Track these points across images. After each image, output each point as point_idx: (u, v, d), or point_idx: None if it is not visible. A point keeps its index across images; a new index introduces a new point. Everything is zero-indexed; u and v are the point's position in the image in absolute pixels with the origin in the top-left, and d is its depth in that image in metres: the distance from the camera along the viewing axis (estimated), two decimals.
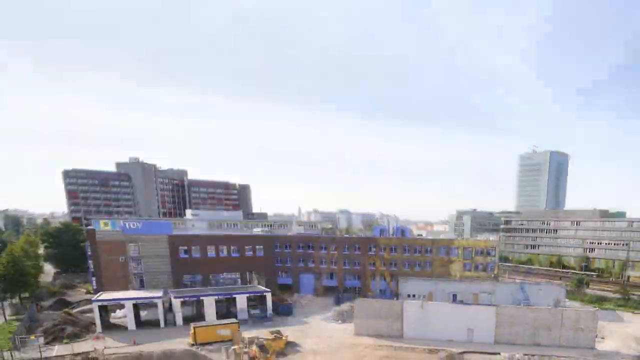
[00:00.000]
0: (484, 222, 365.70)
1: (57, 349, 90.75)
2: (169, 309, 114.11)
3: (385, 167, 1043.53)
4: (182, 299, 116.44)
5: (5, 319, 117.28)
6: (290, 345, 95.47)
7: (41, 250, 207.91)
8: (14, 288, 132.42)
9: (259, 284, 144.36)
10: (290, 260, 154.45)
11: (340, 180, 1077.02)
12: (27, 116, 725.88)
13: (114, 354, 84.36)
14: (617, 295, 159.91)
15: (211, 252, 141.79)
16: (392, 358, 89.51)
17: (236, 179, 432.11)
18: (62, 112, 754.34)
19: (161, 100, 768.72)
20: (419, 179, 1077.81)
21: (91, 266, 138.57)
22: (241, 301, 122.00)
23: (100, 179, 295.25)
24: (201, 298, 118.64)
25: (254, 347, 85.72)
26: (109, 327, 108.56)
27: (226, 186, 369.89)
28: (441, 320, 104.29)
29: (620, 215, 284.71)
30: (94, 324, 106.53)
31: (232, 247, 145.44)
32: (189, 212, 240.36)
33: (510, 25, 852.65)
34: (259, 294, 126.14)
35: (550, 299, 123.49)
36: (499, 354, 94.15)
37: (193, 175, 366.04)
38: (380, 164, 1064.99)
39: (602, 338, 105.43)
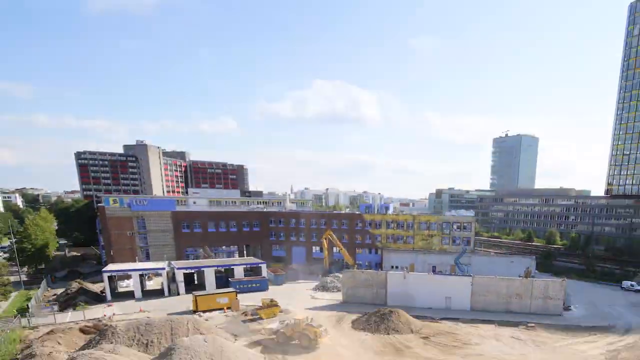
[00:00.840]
0: (461, 199, 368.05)
1: (69, 316, 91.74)
2: (172, 279, 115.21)
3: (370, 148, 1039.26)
4: (184, 270, 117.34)
5: (23, 287, 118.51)
6: (284, 312, 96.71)
7: (55, 226, 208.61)
8: (31, 260, 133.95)
9: (254, 256, 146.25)
10: (283, 234, 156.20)
11: (329, 163, 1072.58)
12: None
13: (122, 320, 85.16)
14: (583, 267, 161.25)
15: (211, 227, 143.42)
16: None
17: (234, 160, 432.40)
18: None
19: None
20: (404, 159, 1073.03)
21: (101, 240, 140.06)
22: (238, 272, 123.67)
23: (109, 160, 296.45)
24: (202, 269, 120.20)
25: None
26: (118, 296, 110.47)
27: (224, 166, 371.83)
28: (422, 290, 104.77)
29: (586, 193, 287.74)
30: (104, 292, 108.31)
31: (230, 223, 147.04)
32: (190, 191, 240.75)
33: None
34: (254, 265, 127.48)
35: (521, 270, 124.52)
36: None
37: (194, 157, 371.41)
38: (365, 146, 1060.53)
39: (569, 306, 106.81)
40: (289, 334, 74.60)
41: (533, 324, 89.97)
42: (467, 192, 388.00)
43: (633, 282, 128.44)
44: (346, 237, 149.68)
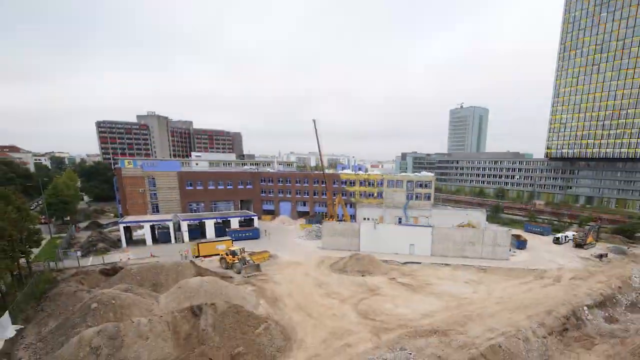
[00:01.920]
0: (423, 161, 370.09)
1: (91, 260, 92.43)
2: (178, 229, 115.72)
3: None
4: (188, 222, 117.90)
5: (51, 236, 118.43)
6: (272, 257, 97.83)
7: (79, 184, 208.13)
8: (58, 213, 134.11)
9: (247, 209, 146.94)
10: (272, 191, 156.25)
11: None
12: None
13: (135, 263, 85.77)
14: (526, 219, 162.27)
15: (211, 185, 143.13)
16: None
17: (231, 128, 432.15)
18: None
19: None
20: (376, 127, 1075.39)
21: (118, 196, 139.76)
22: (234, 223, 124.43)
23: (124, 128, 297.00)
24: (203, 220, 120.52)
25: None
26: (132, 243, 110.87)
27: (223, 134, 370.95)
28: (389, 238, 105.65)
29: (529, 156, 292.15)
30: (120, 240, 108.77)
31: (227, 181, 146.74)
32: (193, 154, 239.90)
33: None
34: (248, 217, 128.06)
35: (475, 221, 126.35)
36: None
37: (197, 125, 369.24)
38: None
39: (514, 252, 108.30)
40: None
41: (484, 267, 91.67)
42: (428, 155, 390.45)
43: (567, 234, 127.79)
44: (326, 194, 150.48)
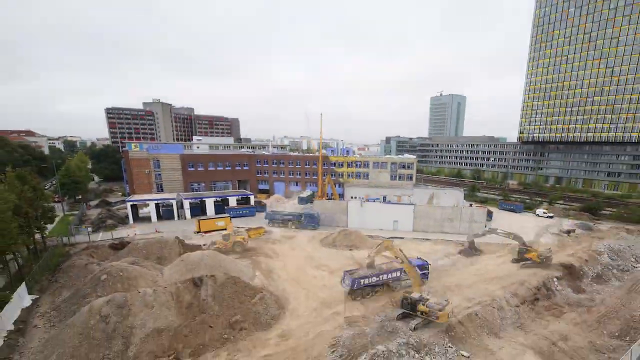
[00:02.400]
0: (405, 145, 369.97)
1: (101, 235, 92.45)
2: (180, 207, 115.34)
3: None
4: (190, 200, 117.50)
5: (64, 214, 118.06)
6: (267, 233, 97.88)
7: (89, 165, 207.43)
8: (71, 191, 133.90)
9: (244, 189, 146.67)
10: (267, 172, 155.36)
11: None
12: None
13: (141, 239, 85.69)
14: (500, 198, 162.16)
15: (211, 166, 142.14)
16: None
17: (229, 114, 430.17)
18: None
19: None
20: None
21: (125, 176, 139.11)
22: (232, 201, 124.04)
23: (131, 114, 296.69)
24: (204, 199, 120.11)
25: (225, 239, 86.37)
26: (138, 220, 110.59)
27: (221, 119, 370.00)
28: (375, 215, 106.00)
29: (503, 140, 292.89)
30: (127, 217, 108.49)
31: (225, 163, 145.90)
32: (195, 138, 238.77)
33: None
34: (245, 196, 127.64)
35: (452, 200, 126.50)
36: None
37: (198, 111, 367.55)
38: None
39: (489, 228, 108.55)
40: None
41: (462, 242, 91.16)
42: (411, 139, 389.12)
43: (545, 210, 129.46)
44: (315, 174, 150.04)
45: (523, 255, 73.43)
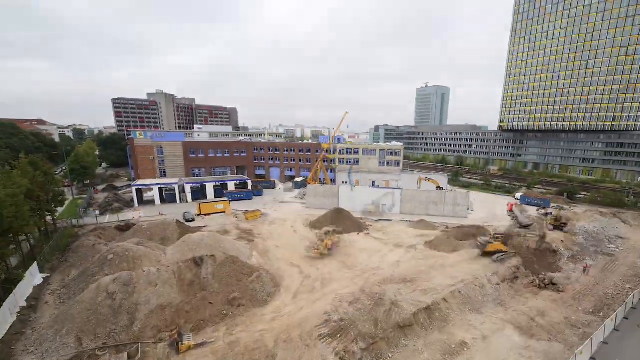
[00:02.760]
0: (393, 133, 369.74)
1: (107, 218, 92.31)
2: (182, 191, 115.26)
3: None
4: (191, 185, 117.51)
5: (73, 197, 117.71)
6: (264, 215, 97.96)
7: (97, 152, 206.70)
8: (79, 176, 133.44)
9: (242, 174, 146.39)
10: (263, 158, 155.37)
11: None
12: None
13: (146, 221, 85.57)
14: (482, 182, 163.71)
15: (211, 153, 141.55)
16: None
17: (227, 104, 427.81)
18: None
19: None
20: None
21: (130, 162, 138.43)
22: (231, 186, 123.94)
23: (136, 104, 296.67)
24: (204, 184, 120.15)
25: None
26: (143, 203, 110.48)
27: (221, 109, 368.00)
28: (364, 199, 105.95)
29: (484, 128, 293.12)
30: (133, 201, 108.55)
31: (225, 150, 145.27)
32: (196, 126, 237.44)
33: None
34: (243, 181, 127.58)
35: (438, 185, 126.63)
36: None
37: (199, 101, 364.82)
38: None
39: (472, 211, 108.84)
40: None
41: (446, 224, 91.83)
42: (398, 127, 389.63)
43: (523, 194, 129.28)
44: (309, 160, 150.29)
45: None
